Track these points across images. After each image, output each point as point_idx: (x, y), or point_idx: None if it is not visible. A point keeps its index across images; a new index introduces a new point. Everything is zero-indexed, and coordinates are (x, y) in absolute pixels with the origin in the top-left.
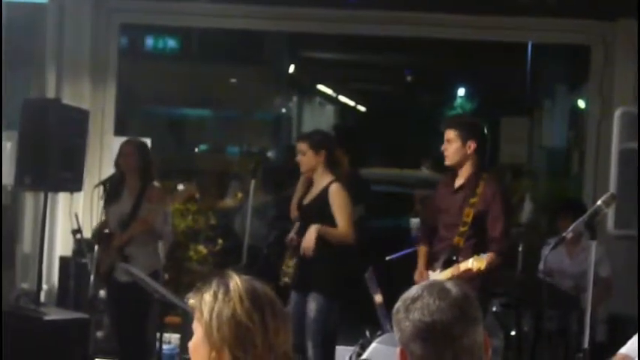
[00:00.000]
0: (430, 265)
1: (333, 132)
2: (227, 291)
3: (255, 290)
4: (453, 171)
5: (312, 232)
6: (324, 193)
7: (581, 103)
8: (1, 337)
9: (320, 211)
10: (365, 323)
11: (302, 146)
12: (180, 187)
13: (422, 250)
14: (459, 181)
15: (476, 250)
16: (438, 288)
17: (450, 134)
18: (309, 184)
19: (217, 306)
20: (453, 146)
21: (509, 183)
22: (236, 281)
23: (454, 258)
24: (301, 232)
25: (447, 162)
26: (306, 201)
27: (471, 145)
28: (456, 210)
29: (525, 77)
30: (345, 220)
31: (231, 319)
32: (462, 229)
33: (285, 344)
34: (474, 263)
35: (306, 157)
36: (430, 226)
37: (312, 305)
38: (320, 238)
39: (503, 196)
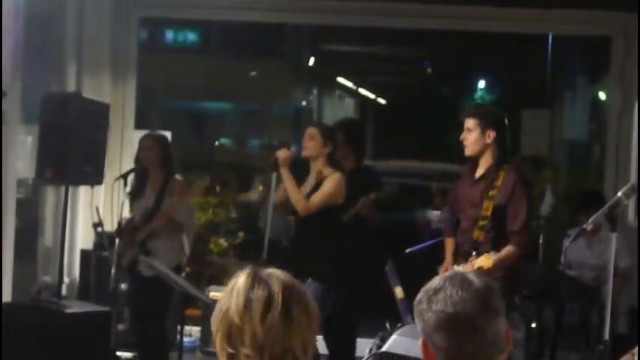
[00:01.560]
0: (456, 258)
1: (338, 129)
2: (232, 286)
3: (252, 289)
4: (474, 161)
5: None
6: (323, 182)
7: (602, 95)
8: (1, 330)
9: None
10: (385, 315)
11: (313, 131)
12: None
13: (449, 243)
14: (479, 172)
15: (495, 244)
16: (460, 279)
17: (470, 123)
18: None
19: (222, 301)
20: (472, 135)
21: (529, 175)
22: (242, 276)
23: (474, 252)
24: (302, 224)
25: (467, 152)
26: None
27: (491, 135)
28: (476, 201)
29: (546, 69)
30: (318, 198)
31: (225, 314)
32: (481, 222)
33: (285, 342)
34: (483, 261)
35: (314, 143)
36: (454, 218)
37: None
38: (316, 225)
39: (523, 188)
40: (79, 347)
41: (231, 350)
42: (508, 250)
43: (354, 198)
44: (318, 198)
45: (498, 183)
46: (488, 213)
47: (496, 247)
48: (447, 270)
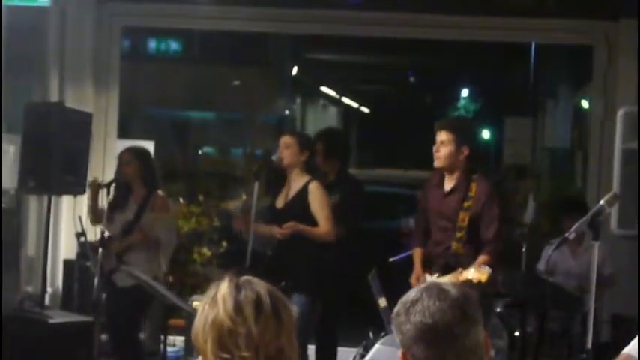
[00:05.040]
0: (427, 268)
1: (317, 139)
2: (214, 294)
3: (239, 292)
4: (440, 172)
5: (291, 225)
6: (304, 191)
7: (585, 104)
8: (0, 340)
9: (299, 211)
10: (368, 324)
11: (288, 140)
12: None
13: (417, 252)
14: (449, 184)
15: (474, 255)
16: (437, 289)
17: (444, 136)
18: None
19: (205, 311)
20: (446, 149)
21: (512, 183)
22: (223, 284)
23: (452, 264)
24: (282, 241)
25: (438, 164)
26: (280, 204)
27: (465, 151)
28: (450, 213)
29: (528, 78)
30: (326, 219)
31: (214, 322)
32: (458, 234)
33: (277, 342)
34: (474, 274)
35: (290, 151)
36: (423, 228)
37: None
38: (298, 238)
39: (495, 197)
40: (61, 357)
41: (225, 355)
42: (482, 259)
43: (338, 207)
44: (327, 222)
45: (472, 194)
46: (465, 224)
47: (474, 258)
48: (418, 279)
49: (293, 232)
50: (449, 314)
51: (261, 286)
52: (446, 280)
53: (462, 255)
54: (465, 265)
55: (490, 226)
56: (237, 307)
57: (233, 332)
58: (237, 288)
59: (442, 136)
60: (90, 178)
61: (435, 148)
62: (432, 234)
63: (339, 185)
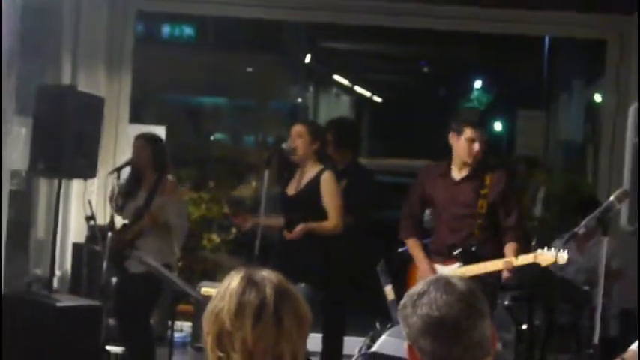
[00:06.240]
0: (433, 258)
1: (328, 129)
2: (225, 287)
3: (244, 294)
4: (446, 160)
5: (301, 227)
6: (316, 181)
7: (598, 97)
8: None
9: (310, 200)
10: (376, 315)
11: (299, 129)
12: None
13: (415, 243)
14: (460, 174)
15: (492, 242)
16: (444, 282)
17: (475, 133)
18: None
19: (214, 302)
20: (477, 146)
21: (523, 175)
22: (235, 278)
23: (472, 249)
24: (289, 225)
25: (472, 162)
26: (292, 191)
27: (486, 143)
28: (466, 201)
29: (542, 70)
30: (336, 211)
31: (217, 317)
32: (478, 221)
33: (275, 349)
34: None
35: (302, 141)
36: (417, 218)
37: None
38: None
39: (511, 185)
40: (69, 341)
41: (221, 354)
42: (513, 245)
43: (348, 196)
44: (336, 215)
45: (487, 182)
46: (483, 211)
47: (493, 245)
48: (430, 270)
49: (303, 234)
50: (456, 308)
51: (271, 286)
52: (471, 269)
53: (483, 242)
54: (487, 254)
55: (511, 213)
56: (239, 310)
57: (231, 334)
58: (245, 287)
59: (473, 133)
60: (101, 164)
61: (467, 146)
62: (443, 223)
63: (348, 174)
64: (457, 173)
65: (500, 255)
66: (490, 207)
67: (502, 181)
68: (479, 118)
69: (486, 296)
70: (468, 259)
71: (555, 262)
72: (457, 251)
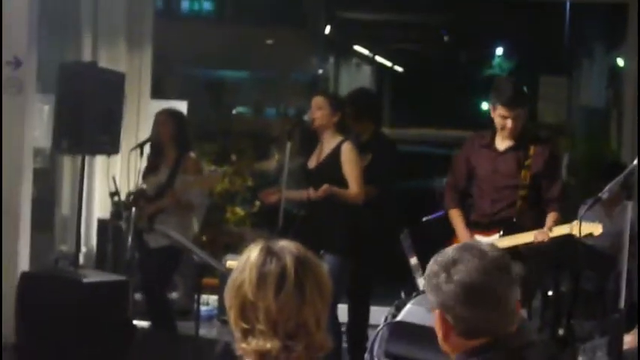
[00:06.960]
0: (473, 230)
1: (347, 101)
2: (245, 260)
3: (265, 264)
4: (492, 131)
5: (322, 190)
6: (336, 152)
7: (620, 62)
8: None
9: (331, 171)
10: (401, 284)
11: (319, 101)
12: (212, 169)
13: (457, 214)
14: (504, 144)
15: (534, 213)
16: (477, 249)
17: (515, 112)
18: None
19: (235, 275)
20: (510, 123)
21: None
22: (254, 250)
23: (513, 220)
24: (315, 201)
25: (511, 137)
26: (313, 164)
27: (526, 115)
28: (509, 171)
29: (564, 36)
30: (356, 181)
31: (239, 290)
32: (521, 192)
33: (298, 317)
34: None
35: (322, 112)
36: (460, 188)
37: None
38: (330, 199)
39: (555, 156)
40: (95, 316)
41: (245, 326)
42: (554, 216)
43: (371, 167)
44: (356, 184)
45: (531, 152)
46: (527, 182)
47: (534, 216)
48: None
49: (326, 195)
50: (494, 274)
51: (291, 256)
52: (518, 239)
53: (525, 212)
54: (528, 225)
55: (555, 183)
56: (260, 281)
57: (254, 305)
58: (265, 258)
59: (513, 112)
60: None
61: (508, 124)
62: (485, 194)
63: (371, 145)
64: (501, 143)
65: (541, 226)
66: (533, 178)
67: (546, 153)
68: (512, 92)
69: (535, 265)
70: (508, 229)
71: (591, 235)
72: (487, 225)
